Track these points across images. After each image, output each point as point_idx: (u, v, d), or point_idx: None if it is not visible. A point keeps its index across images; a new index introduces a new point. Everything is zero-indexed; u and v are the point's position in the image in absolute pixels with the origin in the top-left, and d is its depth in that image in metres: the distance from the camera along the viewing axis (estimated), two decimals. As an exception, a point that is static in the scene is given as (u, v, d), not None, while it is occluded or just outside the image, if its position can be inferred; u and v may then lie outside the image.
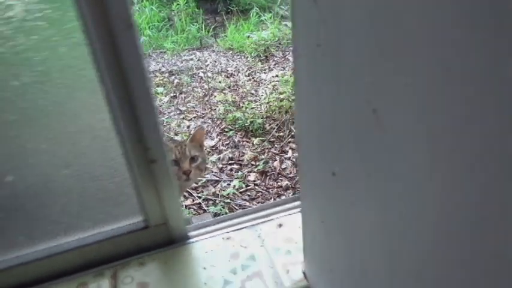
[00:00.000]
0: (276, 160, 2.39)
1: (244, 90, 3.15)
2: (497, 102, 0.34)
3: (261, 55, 3.67)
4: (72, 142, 0.88)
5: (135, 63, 0.79)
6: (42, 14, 0.74)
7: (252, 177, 2.29)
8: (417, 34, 0.41)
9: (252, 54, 3.67)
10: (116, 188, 0.95)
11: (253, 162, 2.39)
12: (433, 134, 0.43)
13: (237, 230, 1.03)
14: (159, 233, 1.00)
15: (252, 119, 2.68)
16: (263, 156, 2.42)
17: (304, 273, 0.90)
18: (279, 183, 2.24)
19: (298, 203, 1.08)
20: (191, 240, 1.03)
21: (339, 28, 0.56)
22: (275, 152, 2.47)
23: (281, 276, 0.90)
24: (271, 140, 2.57)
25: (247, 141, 2.59)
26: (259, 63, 3.58)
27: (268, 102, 2.90)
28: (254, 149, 2.49)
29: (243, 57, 3.72)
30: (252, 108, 2.89)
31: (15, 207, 0.91)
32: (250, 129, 2.64)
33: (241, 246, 0.97)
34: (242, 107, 2.90)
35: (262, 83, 3.27)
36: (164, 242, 1.01)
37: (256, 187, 2.22)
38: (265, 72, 3.42)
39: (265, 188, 2.21)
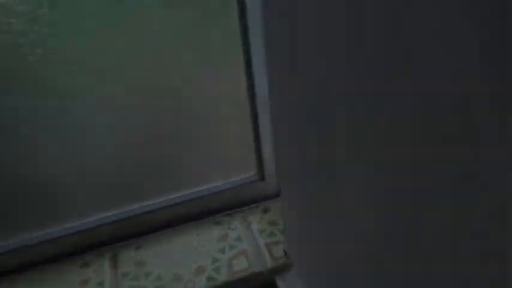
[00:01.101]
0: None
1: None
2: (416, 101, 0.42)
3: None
4: (211, 108, 1.02)
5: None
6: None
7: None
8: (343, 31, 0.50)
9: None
10: (239, 144, 1.09)
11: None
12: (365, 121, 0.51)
13: (227, 215, 1.11)
14: (272, 186, 1.15)
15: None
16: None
17: (285, 251, 0.98)
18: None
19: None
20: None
21: (295, 25, 0.64)
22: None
23: (264, 254, 0.98)
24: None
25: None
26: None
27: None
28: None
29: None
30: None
31: (165, 160, 1.05)
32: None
33: (230, 229, 1.06)
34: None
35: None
36: (276, 193, 1.16)
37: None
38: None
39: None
